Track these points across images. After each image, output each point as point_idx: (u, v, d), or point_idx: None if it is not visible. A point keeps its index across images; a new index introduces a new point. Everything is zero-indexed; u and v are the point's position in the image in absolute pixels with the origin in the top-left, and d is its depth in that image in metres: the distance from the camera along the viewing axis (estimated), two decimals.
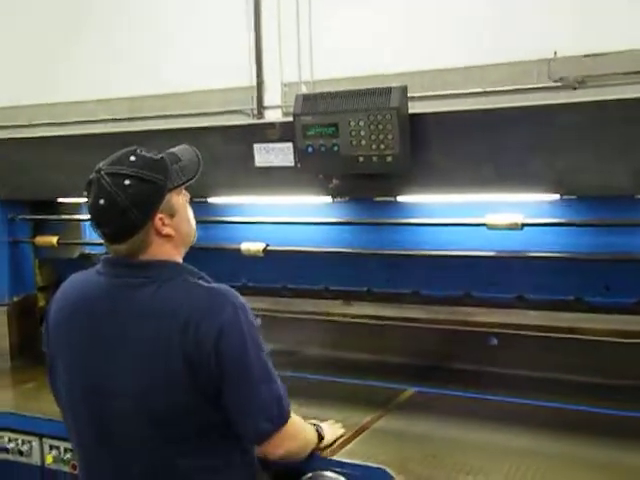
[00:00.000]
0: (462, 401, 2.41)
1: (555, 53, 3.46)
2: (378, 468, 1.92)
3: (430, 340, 2.66)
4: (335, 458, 1.99)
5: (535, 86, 4.05)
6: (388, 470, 1.90)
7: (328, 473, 1.96)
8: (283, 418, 1.70)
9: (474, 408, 2.34)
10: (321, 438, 1.98)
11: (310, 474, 1.96)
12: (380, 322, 2.72)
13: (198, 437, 1.65)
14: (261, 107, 5.49)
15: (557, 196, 2.18)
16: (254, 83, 5.41)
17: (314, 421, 2.02)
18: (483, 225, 2.22)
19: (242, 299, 1.68)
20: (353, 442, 2.10)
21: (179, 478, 1.66)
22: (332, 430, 2.07)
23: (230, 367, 1.61)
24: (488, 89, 4.35)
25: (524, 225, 2.18)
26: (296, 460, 1.89)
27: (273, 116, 5.48)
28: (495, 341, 2.57)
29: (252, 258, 2.62)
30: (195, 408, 1.62)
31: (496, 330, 2.56)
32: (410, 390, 2.52)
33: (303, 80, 5.25)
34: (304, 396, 2.50)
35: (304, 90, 5.12)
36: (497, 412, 2.31)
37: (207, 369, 1.59)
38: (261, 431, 1.67)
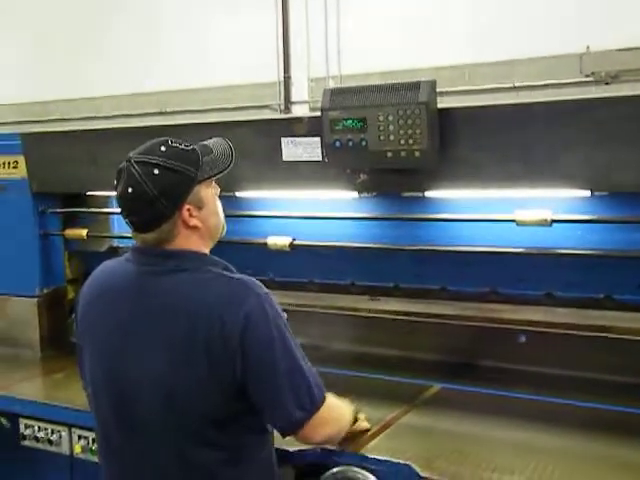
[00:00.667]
0: (489, 398, 2.39)
1: (588, 47, 3.41)
2: (404, 464, 1.91)
3: (457, 337, 2.64)
4: (361, 453, 1.99)
5: (566, 81, 4.00)
6: (414, 466, 1.89)
7: (354, 468, 1.95)
8: (315, 405, 1.69)
9: (501, 406, 2.32)
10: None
11: (336, 469, 1.96)
12: (407, 318, 2.70)
13: (219, 431, 1.65)
14: (288, 102, 5.51)
15: (588, 192, 2.15)
16: (282, 78, 5.43)
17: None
18: (512, 221, 2.20)
19: (265, 289, 1.68)
20: (379, 437, 2.09)
21: (199, 469, 1.66)
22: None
23: (256, 359, 1.61)
24: (517, 84, 4.31)
25: (554, 221, 2.15)
26: (334, 443, 1.90)
27: (300, 111, 5.49)
28: (523, 338, 2.54)
29: (279, 252, 2.62)
30: (216, 404, 1.62)
31: (524, 327, 2.53)
32: (436, 386, 2.50)
33: (330, 75, 5.25)
34: (330, 391, 2.50)
35: (331, 85, 5.11)
36: (524, 410, 2.28)
37: (232, 364, 1.59)
38: (294, 420, 1.67)
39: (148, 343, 1.64)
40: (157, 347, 1.63)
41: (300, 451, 1.97)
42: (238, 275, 1.70)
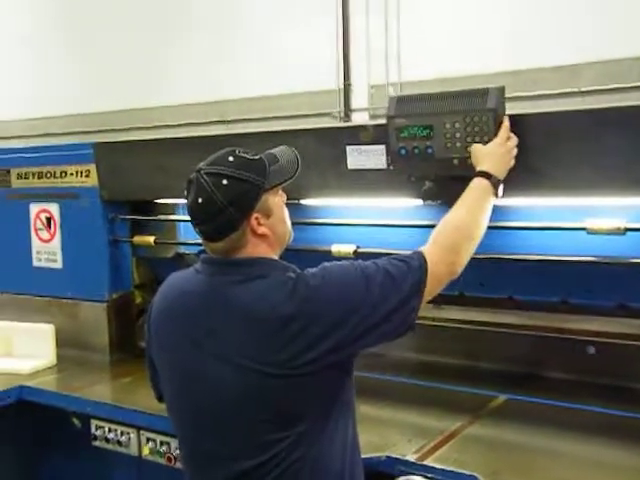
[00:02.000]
0: (557, 411, 2.34)
1: None
2: (470, 475, 1.88)
3: (524, 347, 2.59)
4: (426, 463, 1.97)
5: (636, 85, 3.87)
6: (480, 478, 1.87)
7: (418, 478, 1.94)
8: (420, 290, 1.69)
9: (569, 419, 2.26)
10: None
11: (401, 478, 1.95)
12: (472, 327, 2.67)
13: (297, 419, 1.62)
14: (348, 109, 5.50)
15: None
16: (341, 86, 5.42)
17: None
18: (583, 229, 2.15)
19: (322, 270, 1.67)
20: (443, 448, 2.08)
21: (278, 458, 1.63)
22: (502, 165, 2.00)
23: (351, 338, 1.61)
24: (584, 89, 4.19)
25: (627, 230, 2.09)
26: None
27: (360, 119, 5.47)
28: (592, 350, 2.48)
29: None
30: (303, 401, 1.62)
31: (594, 338, 2.47)
32: (501, 397, 2.46)
33: (390, 82, 5.21)
34: (393, 399, 2.50)
35: (391, 92, 5.08)
36: (594, 424, 2.22)
37: (317, 359, 1.58)
38: (413, 318, 1.68)
39: (223, 350, 1.65)
40: (226, 357, 1.64)
41: (364, 459, 1.97)
42: (301, 273, 1.69)
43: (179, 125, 5.53)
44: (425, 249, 1.79)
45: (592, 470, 1.92)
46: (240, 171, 1.67)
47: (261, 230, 1.71)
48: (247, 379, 1.62)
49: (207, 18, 5.69)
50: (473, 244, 1.89)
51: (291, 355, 1.59)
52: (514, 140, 2.04)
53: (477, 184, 1.96)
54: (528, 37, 4.46)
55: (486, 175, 1.96)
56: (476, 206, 1.93)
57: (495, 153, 2.01)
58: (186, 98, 5.73)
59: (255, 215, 1.69)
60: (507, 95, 2.12)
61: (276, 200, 1.76)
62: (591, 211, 2.18)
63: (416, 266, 1.72)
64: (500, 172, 1.99)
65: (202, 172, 1.68)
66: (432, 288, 1.74)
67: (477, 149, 2.03)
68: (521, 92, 4.28)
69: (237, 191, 1.66)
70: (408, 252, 1.77)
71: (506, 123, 2.04)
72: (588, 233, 2.14)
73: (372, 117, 5.26)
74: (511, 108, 2.13)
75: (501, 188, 1.98)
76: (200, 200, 1.67)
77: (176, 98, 5.74)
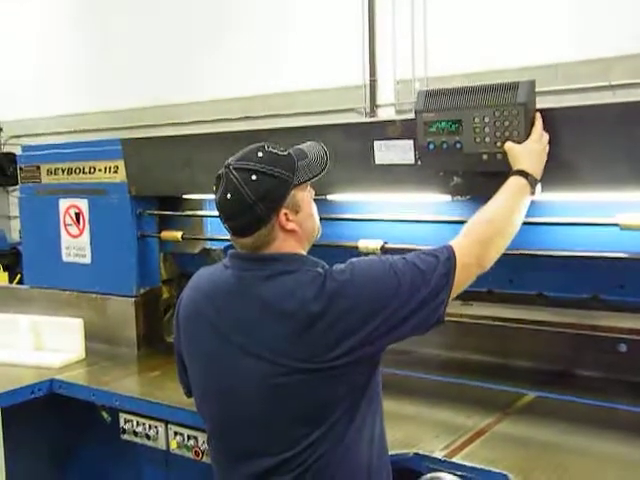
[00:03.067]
0: (588, 409, 2.30)
1: None
2: (500, 474, 1.87)
3: (554, 344, 2.56)
4: (454, 460, 1.96)
5: None
6: (511, 477, 1.85)
7: (447, 476, 1.92)
8: (449, 281, 1.69)
9: (601, 417, 2.23)
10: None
11: (429, 475, 1.94)
12: (500, 324, 2.65)
13: (323, 415, 1.63)
14: (374, 105, 5.49)
15: None
16: (367, 82, 5.42)
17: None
18: (615, 225, 2.11)
19: (351, 265, 1.68)
20: (473, 445, 2.06)
21: (308, 452, 1.64)
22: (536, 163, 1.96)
23: (389, 322, 1.62)
24: (614, 82, 4.14)
25: None
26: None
27: (385, 114, 5.45)
28: (624, 347, 2.44)
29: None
30: (332, 396, 1.62)
31: (626, 336, 2.43)
32: (531, 395, 2.44)
33: (416, 77, 5.18)
34: (420, 396, 2.48)
35: (418, 87, 5.06)
36: (626, 422, 2.19)
37: (349, 354, 1.59)
38: (442, 313, 1.69)
39: (252, 345, 1.66)
40: (261, 347, 1.64)
41: (391, 456, 1.96)
42: (329, 269, 1.70)
43: (206, 121, 5.57)
44: (455, 242, 1.79)
45: (624, 470, 1.89)
46: (269, 167, 1.67)
47: (290, 226, 1.71)
48: (276, 374, 1.62)
49: (236, 18, 5.71)
50: (504, 240, 1.88)
51: (321, 350, 1.59)
52: (547, 137, 2.01)
53: (514, 182, 1.94)
54: (555, 31, 4.41)
55: (523, 174, 1.94)
56: (511, 203, 1.91)
57: (533, 151, 1.98)
58: (212, 95, 5.77)
59: (284, 211, 1.69)
60: (537, 89, 2.08)
61: (305, 196, 1.76)
62: (624, 206, 2.14)
63: (444, 259, 1.71)
64: (538, 171, 1.97)
65: (231, 168, 1.69)
66: (461, 281, 1.74)
67: (513, 148, 1.99)
68: (551, 86, 4.23)
69: (266, 187, 1.66)
70: (437, 246, 1.76)
71: (539, 120, 2.00)
72: (621, 229, 2.10)
73: (398, 112, 5.25)
74: (541, 102, 2.10)
75: (539, 187, 1.96)
76: (229, 196, 1.67)
77: (202, 95, 5.79)
